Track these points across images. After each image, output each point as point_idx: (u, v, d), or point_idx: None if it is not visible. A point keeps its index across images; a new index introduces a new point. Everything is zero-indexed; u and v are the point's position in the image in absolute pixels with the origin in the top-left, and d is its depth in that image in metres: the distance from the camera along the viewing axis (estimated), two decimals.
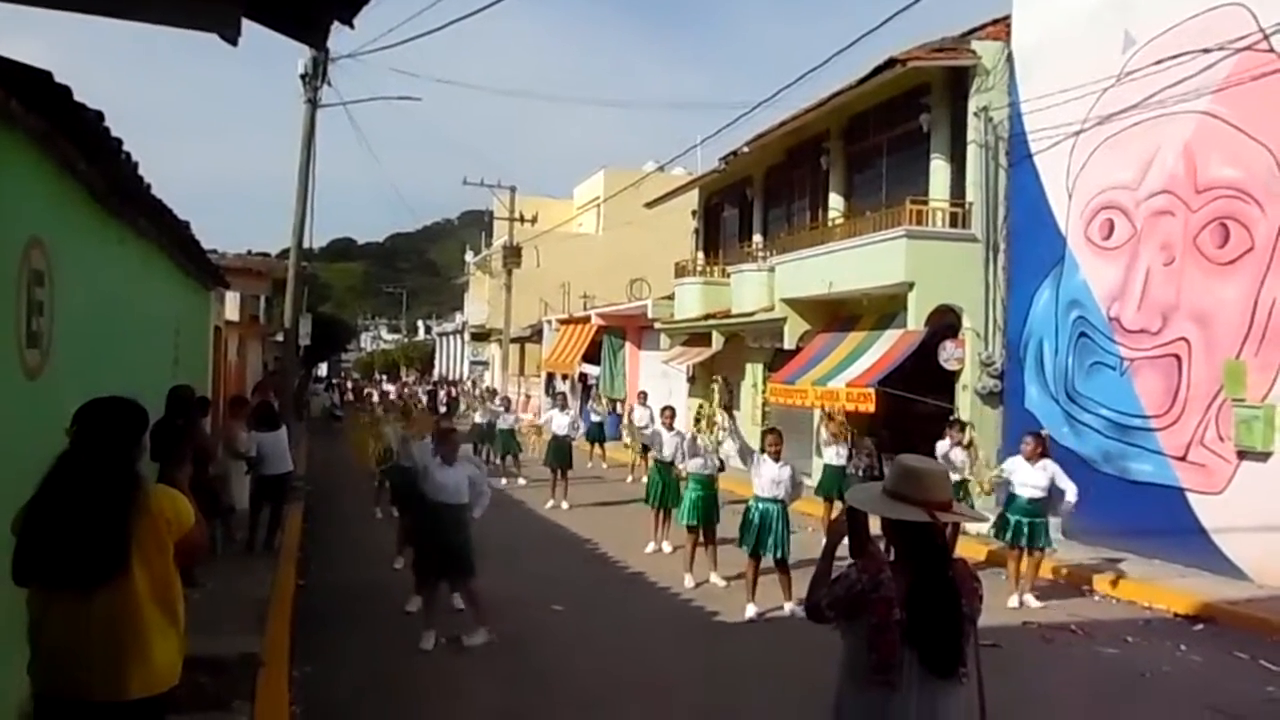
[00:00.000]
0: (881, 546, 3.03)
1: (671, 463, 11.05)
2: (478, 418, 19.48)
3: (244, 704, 5.20)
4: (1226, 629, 7.99)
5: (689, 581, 9.27)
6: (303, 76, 14.13)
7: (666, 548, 10.82)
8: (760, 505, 8.22)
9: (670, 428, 11.62)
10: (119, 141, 5.33)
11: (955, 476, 10.12)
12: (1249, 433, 9.24)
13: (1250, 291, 9.36)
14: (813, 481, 12.82)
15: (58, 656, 2.90)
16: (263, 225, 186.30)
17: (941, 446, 10.28)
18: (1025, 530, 8.66)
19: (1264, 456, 9.17)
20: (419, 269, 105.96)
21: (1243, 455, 9.36)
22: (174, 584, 3.08)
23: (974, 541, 11.11)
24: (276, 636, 6.73)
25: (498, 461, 18.32)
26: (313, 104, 14.26)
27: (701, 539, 9.35)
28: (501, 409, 18.40)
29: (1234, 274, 9.54)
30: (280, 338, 24.54)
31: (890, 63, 13.02)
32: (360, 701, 5.95)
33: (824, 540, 3.26)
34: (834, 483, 11.69)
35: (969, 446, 10.32)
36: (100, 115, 4.77)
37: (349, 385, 41.22)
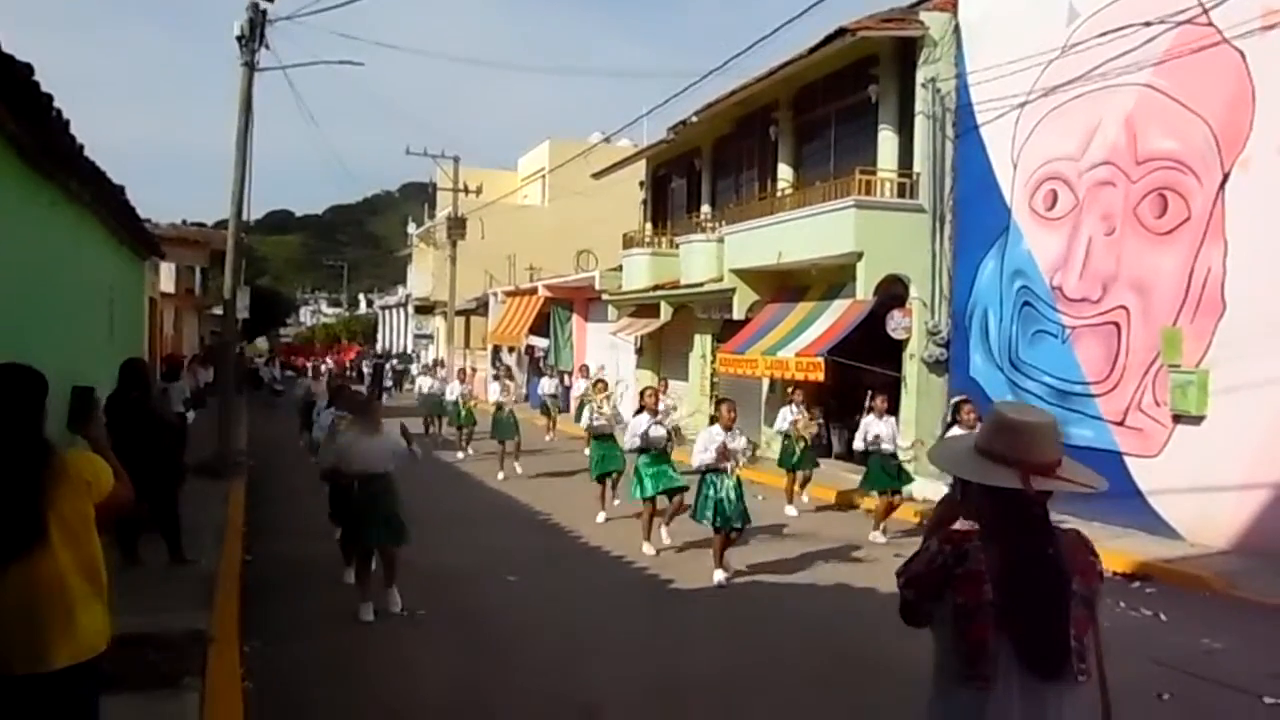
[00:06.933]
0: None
1: (610, 436, 11.14)
2: (425, 389, 19.21)
3: (195, 680, 5.06)
4: (1162, 586, 8.27)
5: (649, 550, 9.29)
6: (239, 39, 13.58)
7: (601, 518, 10.84)
8: (713, 478, 8.24)
9: (604, 399, 11.63)
10: (49, 98, 5.08)
11: (889, 448, 10.30)
12: (1184, 397, 9.53)
13: (1187, 261, 9.62)
14: (771, 453, 12.94)
15: None
16: (196, 196, 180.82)
17: (865, 421, 10.44)
18: None
19: (1198, 420, 9.48)
20: (359, 241, 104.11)
21: (1178, 419, 9.66)
22: (97, 551, 2.98)
23: (914, 506, 11.34)
24: (225, 611, 6.57)
25: (447, 434, 18.17)
26: (250, 67, 13.73)
27: (657, 509, 9.37)
28: (454, 380, 18.16)
29: (1171, 244, 9.79)
30: (217, 311, 23.91)
31: (840, 32, 13.04)
32: (314, 675, 5.85)
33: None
34: (797, 457, 11.77)
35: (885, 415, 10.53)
36: (30, 68, 4.53)
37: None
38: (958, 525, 2.45)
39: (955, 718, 2.34)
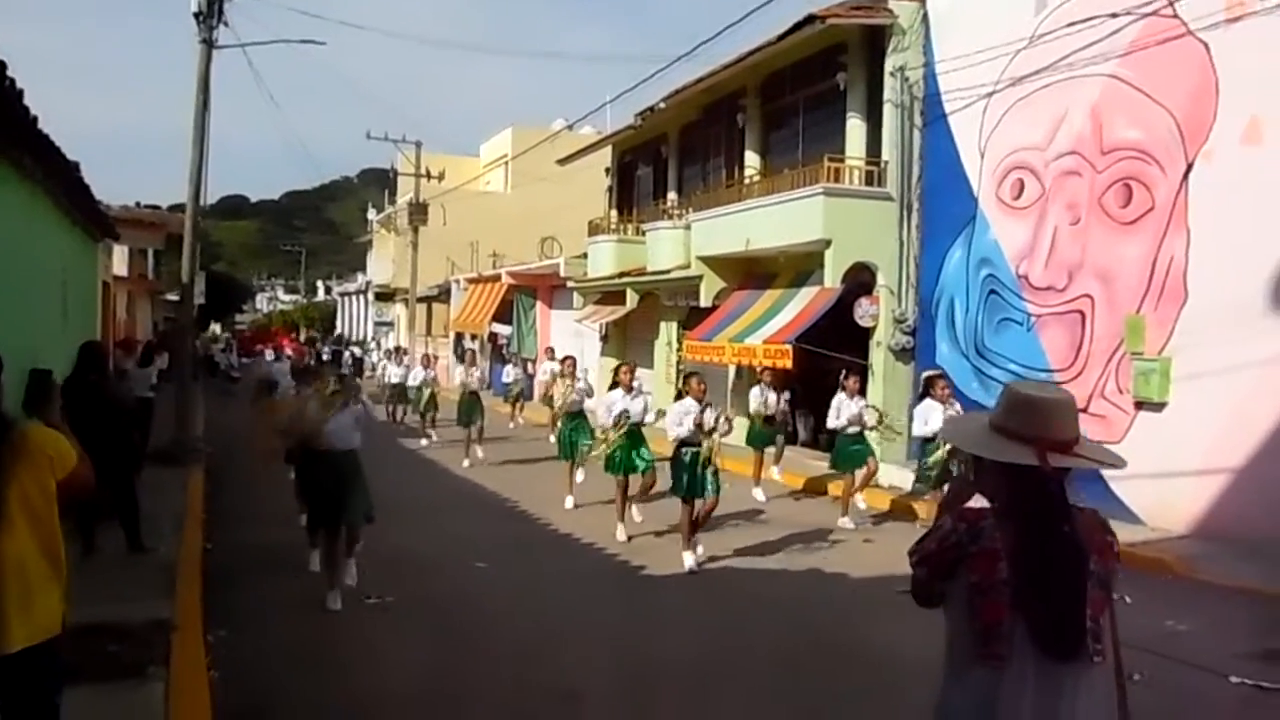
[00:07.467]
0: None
1: (580, 414, 11.10)
2: (392, 378, 18.93)
3: (159, 670, 4.91)
4: (1125, 570, 8.28)
5: (621, 535, 9.23)
6: (196, 15, 13.23)
7: (569, 503, 10.77)
8: (687, 452, 8.17)
9: (573, 378, 11.64)
10: (2, 65, 4.85)
11: (854, 429, 10.33)
12: (1146, 384, 9.67)
13: (1150, 250, 9.75)
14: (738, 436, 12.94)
15: None
16: (149, 179, 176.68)
17: (837, 400, 10.45)
18: (950, 473, 8.86)
19: (1159, 407, 9.63)
20: (317, 228, 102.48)
21: (1140, 406, 9.81)
22: (58, 531, 2.91)
23: (882, 492, 11.42)
24: (187, 600, 6.41)
25: (410, 420, 17.97)
26: (208, 44, 13.38)
27: (628, 490, 9.32)
28: (419, 366, 17.93)
29: (1136, 233, 9.92)
30: (172, 296, 23.36)
31: (809, 19, 13.01)
32: (281, 663, 5.72)
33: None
34: (763, 435, 11.79)
35: (857, 395, 10.55)
36: None
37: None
38: (971, 503, 2.40)
39: (968, 697, 2.27)
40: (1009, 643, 2.21)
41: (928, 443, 9.10)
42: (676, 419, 8.17)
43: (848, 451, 10.36)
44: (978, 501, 2.38)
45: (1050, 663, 2.21)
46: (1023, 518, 2.27)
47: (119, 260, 17.88)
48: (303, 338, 44.23)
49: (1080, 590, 2.23)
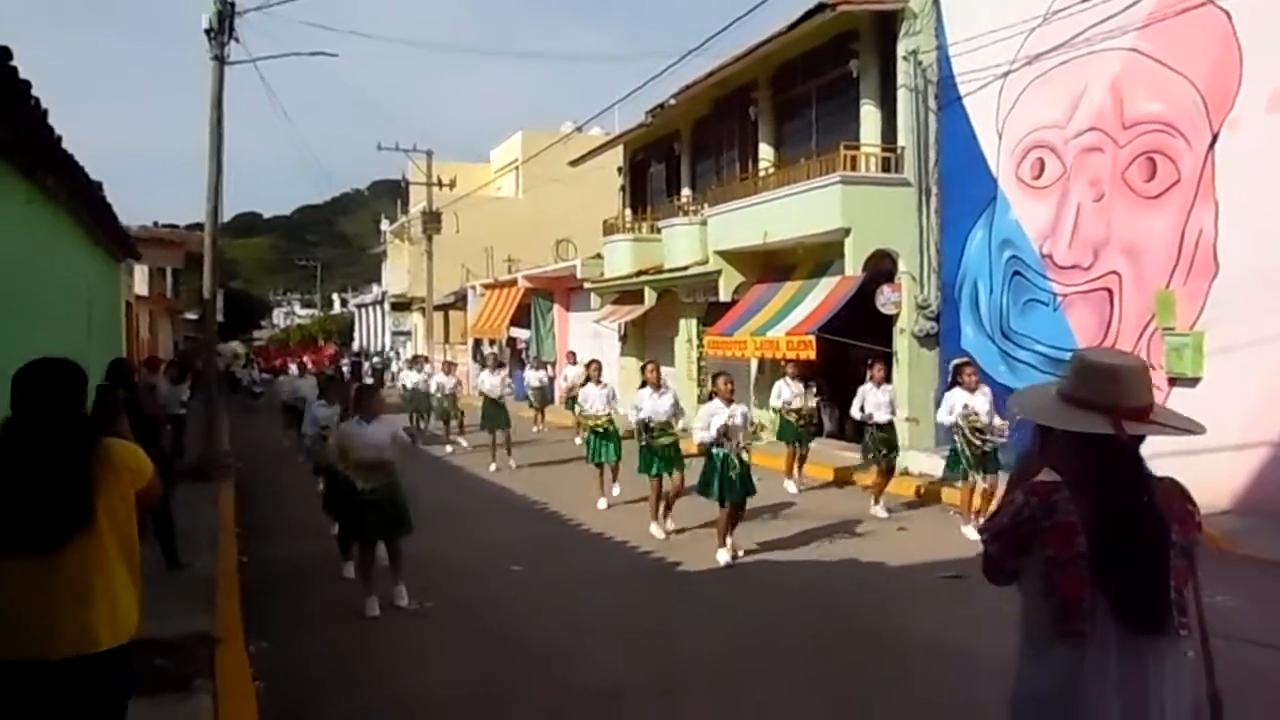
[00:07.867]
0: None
1: (608, 418, 11.08)
2: (409, 383, 18.98)
3: (205, 682, 4.92)
4: None
5: (657, 531, 9.19)
6: (207, 32, 13.28)
7: (602, 504, 10.72)
8: (717, 452, 8.11)
9: (598, 382, 11.60)
10: (28, 85, 4.86)
11: (884, 417, 10.20)
12: (1179, 360, 9.54)
13: (1178, 223, 9.62)
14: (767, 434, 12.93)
15: (18, 619, 2.79)
16: (164, 199, 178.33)
17: (863, 390, 10.33)
18: (978, 461, 8.78)
19: (1193, 382, 9.50)
20: (330, 241, 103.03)
21: (1173, 382, 9.67)
22: (135, 539, 3.05)
23: (911, 479, 11.32)
24: (228, 613, 6.43)
25: (434, 428, 18.00)
26: (220, 61, 13.43)
27: (663, 487, 9.28)
28: (440, 373, 17.94)
29: (1162, 206, 9.78)
30: (191, 315, 23.49)
31: (819, 7, 12.92)
32: (325, 672, 5.72)
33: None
34: (793, 429, 11.75)
35: (883, 384, 10.39)
36: (7, 52, 4.31)
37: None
38: (1040, 477, 2.32)
39: (1049, 676, 2.20)
40: (1091, 619, 2.14)
41: (954, 430, 9.01)
42: (704, 421, 8.13)
43: (876, 442, 10.24)
44: (1047, 475, 2.30)
45: (1134, 638, 2.13)
46: (1099, 489, 2.18)
47: (140, 280, 18.03)
48: (329, 351, 44.46)
49: (1163, 562, 2.15)
